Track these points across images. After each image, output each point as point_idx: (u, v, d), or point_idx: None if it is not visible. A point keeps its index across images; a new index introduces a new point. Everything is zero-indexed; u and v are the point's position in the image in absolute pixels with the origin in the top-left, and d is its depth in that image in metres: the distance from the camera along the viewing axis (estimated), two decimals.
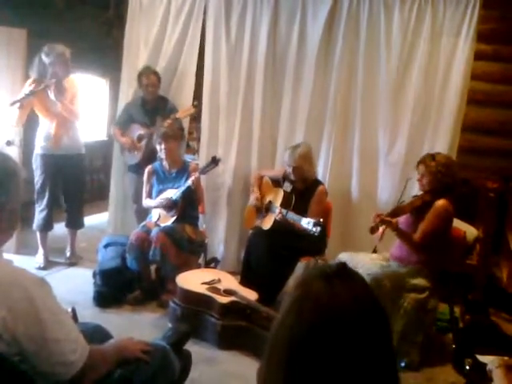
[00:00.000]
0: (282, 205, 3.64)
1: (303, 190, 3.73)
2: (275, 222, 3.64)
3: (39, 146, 4.01)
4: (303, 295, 0.90)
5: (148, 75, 4.17)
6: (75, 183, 4.17)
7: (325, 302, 0.86)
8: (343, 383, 0.84)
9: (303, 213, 3.50)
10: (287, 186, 3.78)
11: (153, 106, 4.25)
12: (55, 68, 3.79)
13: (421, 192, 3.16)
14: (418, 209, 3.08)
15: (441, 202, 3.03)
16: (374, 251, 3.31)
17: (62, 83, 3.88)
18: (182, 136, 4.17)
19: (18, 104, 3.74)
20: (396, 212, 3.09)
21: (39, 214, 4.10)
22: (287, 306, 0.91)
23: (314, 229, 3.18)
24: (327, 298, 0.87)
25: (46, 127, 4.00)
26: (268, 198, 3.84)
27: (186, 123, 4.37)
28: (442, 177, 3.05)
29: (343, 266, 0.92)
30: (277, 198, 3.76)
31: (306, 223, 3.24)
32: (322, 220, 3.24)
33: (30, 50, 4.07)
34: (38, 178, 4.04)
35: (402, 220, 3.17)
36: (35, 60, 3.83)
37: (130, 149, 4.25)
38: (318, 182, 3.78)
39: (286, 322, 0.89)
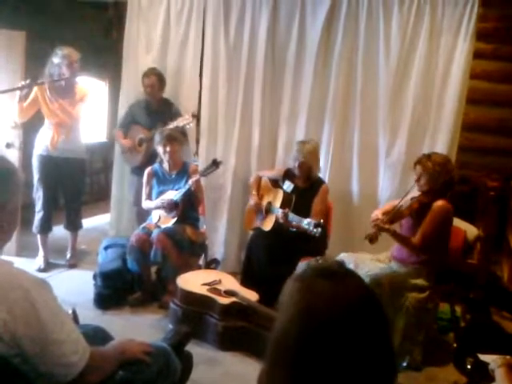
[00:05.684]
0: (282, 206, 3.63)
1: (305, 188, 3.72)
2: (276, 223, 3.64)
3: (39, 147, 4.01)
4: (307, 295, 0.90)
5: (149, 76, 4.16)
6: (73, 186, 4.15)
7: (330, 300, 0.87)
8: (350, 377, 0.84)
9: (305, 211, 3.49)
10: (288, 186, 3.76)
11: (156, 108, 4.23)
12: (61, 69, 3.86)
13: (418, 193, 3.14)
14: (417, 211, 3.06)
15: (439, 203, 3.00)
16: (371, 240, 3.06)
17: (69, 85, 3.92)
18: (184, 141, 4.16)
19: (12, 95, 3.77)
20: (394, 217, 3.05)
21: (37, 215, 4.10)
22: (290, 307, 0.90)
23: (315, 230, 3.17)
24: (332, 296, 0.87)
25: (47, 128, 4.00)
26: (267, 199, 3.83)
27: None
28: (439, 176, 3.03)
29: (341, 264, 0.95)
30: (276, 198, 3.75)
31: (307, 224, 3.23)
32: (322, 221, 3.23)
33: (29, 53, 4.07)
34: (35, 179, 4.04)
35: (403, 223, 3.15)
36: (48, 61, 3.89)
37: (131, 151, 4.25)
38: (320, 181, 3.78)
39: (290, 323, 0.89)
